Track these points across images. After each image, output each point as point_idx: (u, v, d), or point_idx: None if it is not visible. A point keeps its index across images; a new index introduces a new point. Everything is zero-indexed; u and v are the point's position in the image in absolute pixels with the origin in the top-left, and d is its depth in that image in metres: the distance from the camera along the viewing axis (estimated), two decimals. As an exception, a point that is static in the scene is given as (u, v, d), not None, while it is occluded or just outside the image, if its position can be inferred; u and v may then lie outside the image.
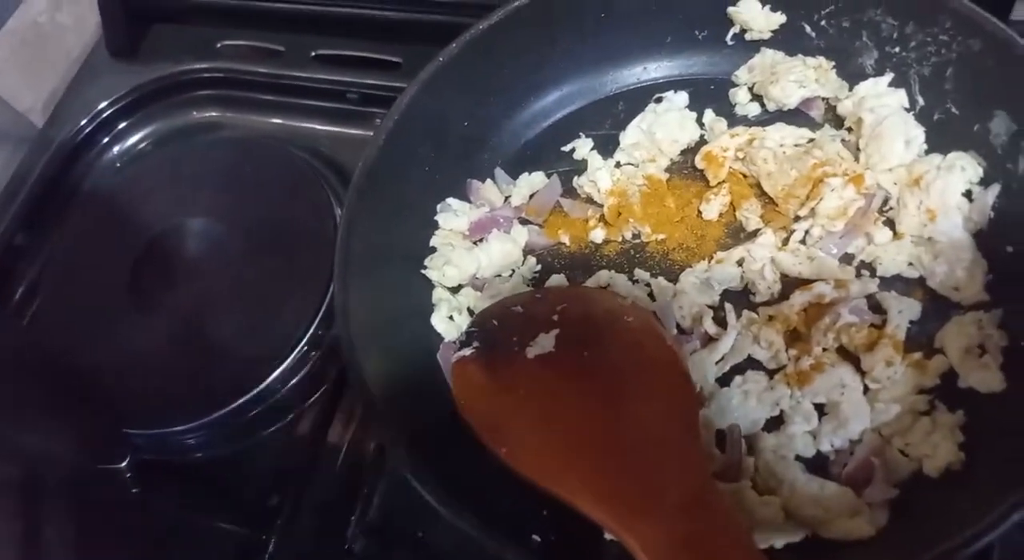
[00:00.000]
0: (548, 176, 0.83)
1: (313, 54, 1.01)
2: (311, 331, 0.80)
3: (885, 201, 0.72)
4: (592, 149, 0.83)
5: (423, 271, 0.78)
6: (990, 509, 0.52)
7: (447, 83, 0.78)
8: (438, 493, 0.59)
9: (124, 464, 0.67)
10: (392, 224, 0.77)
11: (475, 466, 0.61)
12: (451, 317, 0.76)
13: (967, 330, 0.64)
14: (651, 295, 0.74)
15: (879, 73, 0.77)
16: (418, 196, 0.80)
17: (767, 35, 0.81)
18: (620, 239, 0.78)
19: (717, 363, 0.69)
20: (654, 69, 0.86)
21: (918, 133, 0.73)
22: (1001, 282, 0.66)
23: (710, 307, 0.71)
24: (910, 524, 0.59)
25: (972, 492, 0.57)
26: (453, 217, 0.80)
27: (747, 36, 0.82)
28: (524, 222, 0.81)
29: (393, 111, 0.76)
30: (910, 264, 0.69)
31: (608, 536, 0.60)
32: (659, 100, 0.83)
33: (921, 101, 0.75)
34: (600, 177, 0.79)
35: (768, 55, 0.81)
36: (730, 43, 0.83)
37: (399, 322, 0.74)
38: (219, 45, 1.06)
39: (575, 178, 0.82)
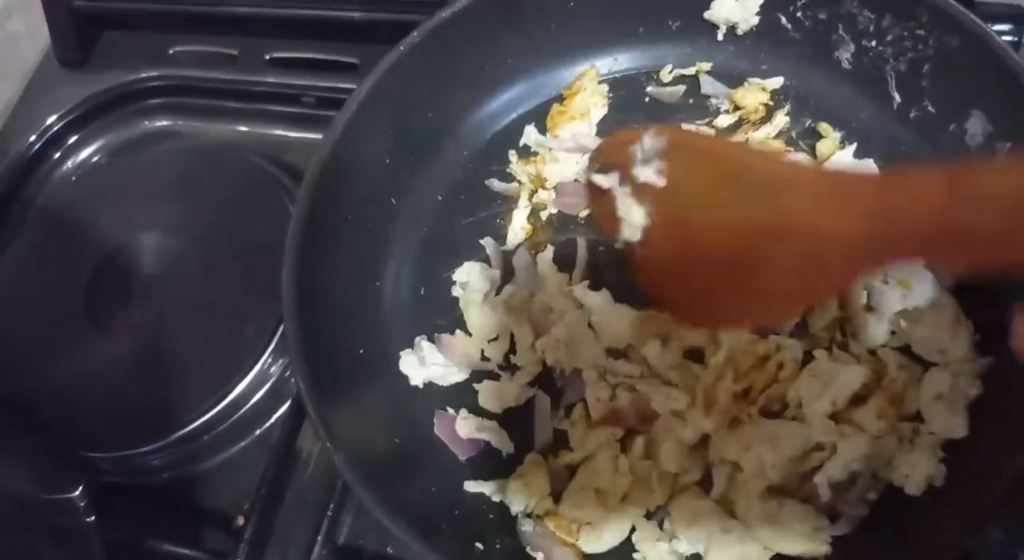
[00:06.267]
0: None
1: (268, 57, 0.98)
2: (273, 343, 0.78)
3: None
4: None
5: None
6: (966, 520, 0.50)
7: (410, 71, 0.75)
8: (375, 494, 0.58)
9: (77, 492, 0.65)
10: (349, 219, 0.74)
11: (418, 468, 0.63)
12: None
13: (942, 377, 0.61)
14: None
15: (856, 68, 0.75)
16: (378, 191, 0.78)
17: (754, 22, 0.79)
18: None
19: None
20: (626, 59, 0.84)
21: None
22: (990, 338, 0.63)
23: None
24: (876, 536, 0.58)
25: (946, 504, 0.56)
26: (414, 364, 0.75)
27: (738, 31, 0.80)
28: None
29: (352, 100, 0.73)
30: (893, 333, 0.65)
31: None
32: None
33: (897, 98, 0.73)
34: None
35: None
36: (720, 40, 0.81)
37: (351, 319, 0.73)
38: (171, 51, 1.03)
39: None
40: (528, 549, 0.63)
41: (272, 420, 0.79)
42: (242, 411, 0.78)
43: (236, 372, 0.78)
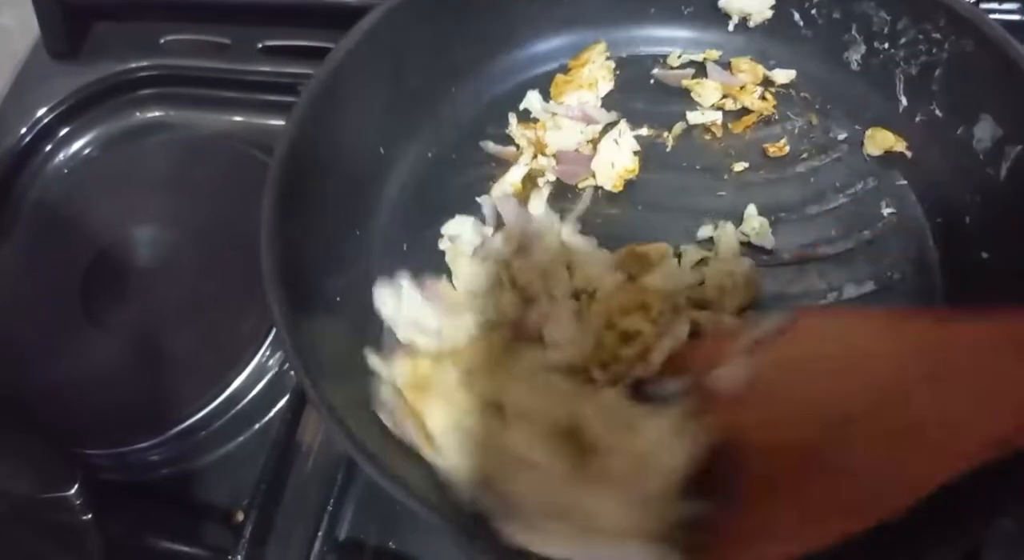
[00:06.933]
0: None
1: (260, 46, 0.97)
2: (271, 336, 0.77)
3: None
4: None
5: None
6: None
7: (411, 17, 0.74)
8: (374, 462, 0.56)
9: (73, 490, 0.64)
10: (334, 163, 0.73)
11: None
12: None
13: None
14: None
15: (864, 69, 0.75)
16: (367, 137, 0.76)
17: (768, 15, 0.79)
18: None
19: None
20: (635, 39, 0.83)
21: None
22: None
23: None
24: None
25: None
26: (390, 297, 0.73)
27: (750, 23, 0.80)
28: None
29: (350, 36, 0.71)
30: None
31: None
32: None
33: (904, 101, 0.73)
34: None
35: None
36: (731, 30, 0.81)
37: (331, 264, 0.72)
38: (163, 40, 1.02)
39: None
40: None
41: (271, 414, 0.78)
42: (240, 405, 0.77)
43: (234, 366, 0.77)
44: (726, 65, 0.80)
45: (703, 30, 0.81)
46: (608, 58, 0.82)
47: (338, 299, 0.71)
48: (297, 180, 0.68)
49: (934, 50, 0.69)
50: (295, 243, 0.66)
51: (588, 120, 0.79)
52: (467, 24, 0.79)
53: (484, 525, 0.56)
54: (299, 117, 0.69)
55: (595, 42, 0.82)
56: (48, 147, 1.01)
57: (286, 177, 0.67)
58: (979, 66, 0.66)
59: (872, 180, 0.74)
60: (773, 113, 0.78)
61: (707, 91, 0.79)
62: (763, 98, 0.79)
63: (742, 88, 0.78)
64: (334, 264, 0.72)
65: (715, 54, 0.81)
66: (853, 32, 0.74)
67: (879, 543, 0.56)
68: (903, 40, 0.71)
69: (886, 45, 0.73)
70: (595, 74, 0.80)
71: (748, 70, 0.79)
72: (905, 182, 0.73)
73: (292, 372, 0.76)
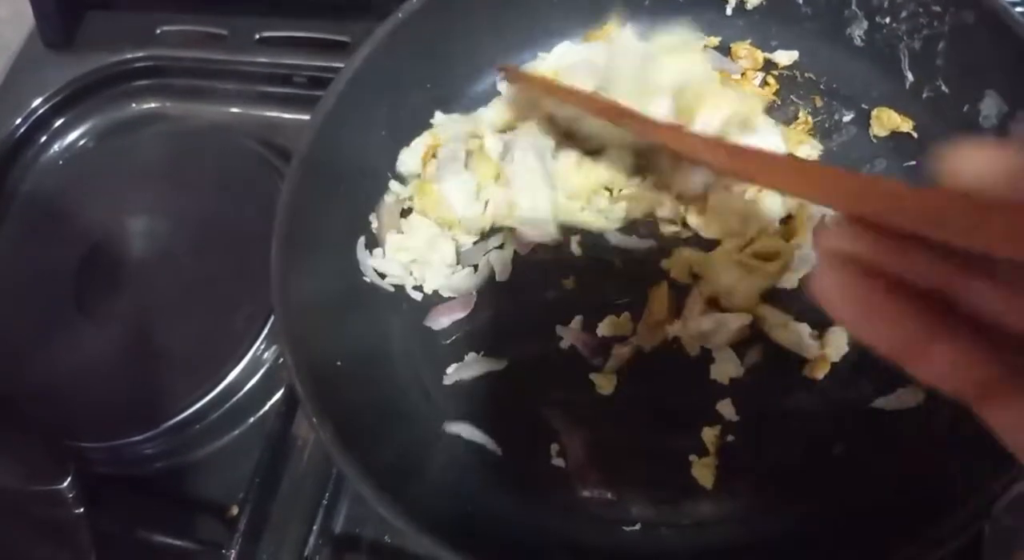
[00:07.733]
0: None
1: (257, 37, 0.96)
2: (267, 329, 0.77)
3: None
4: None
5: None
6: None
7: (407, 41, 0.74)
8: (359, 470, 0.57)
9: (66, 484, 0.63)
10: (342, 191, 0.73)
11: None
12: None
13: None
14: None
15: (868, 45, 0.73)
16: (373, 163, 0.76)
17: None
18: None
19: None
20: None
21: None
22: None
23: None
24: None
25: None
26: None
27: (747, 5, 0.78)
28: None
29: (348, 68, 0.71)
30: None
31: None
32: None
33: (910, 77, 0.71)
34: None
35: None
36: (729, 14, 0.79)
37: (341, 301, 0.72)
38: (159, 31, 1.01)
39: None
40: None
41: (266, 408, 0.77)
42: (235, 399, 0.76)
43: (229, 359, 0.76)
44: (726, 51, 0.79)
45: (699, 17, 0.79)
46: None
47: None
48: (306, 210, 0.68)
49: (935, 23, 0.68)
50: (301, 273, 0.67)
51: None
52: (462, 36, 0.78)
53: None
54: (306, 150, 0.69)
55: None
56: (42, 138, 1.01)
57: (295, 207, 0.67)
58: (981, 39, 0.64)
59: (880, 162, 0.73)
60: (775, 100, 0.77)
61: None
62: (764, 84, 0.77)
63: (742, 75, 0.77)
64: (342, 292, 0.73)
65: (714, 41, 0.79)
66: (854, 7, 0.72)
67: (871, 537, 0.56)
68: (904, 14, 0.70)
69: (887, 19, 0.71)
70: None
71: (747, 55, 0.77)
72: (914, 163, 0.72)
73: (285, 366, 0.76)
